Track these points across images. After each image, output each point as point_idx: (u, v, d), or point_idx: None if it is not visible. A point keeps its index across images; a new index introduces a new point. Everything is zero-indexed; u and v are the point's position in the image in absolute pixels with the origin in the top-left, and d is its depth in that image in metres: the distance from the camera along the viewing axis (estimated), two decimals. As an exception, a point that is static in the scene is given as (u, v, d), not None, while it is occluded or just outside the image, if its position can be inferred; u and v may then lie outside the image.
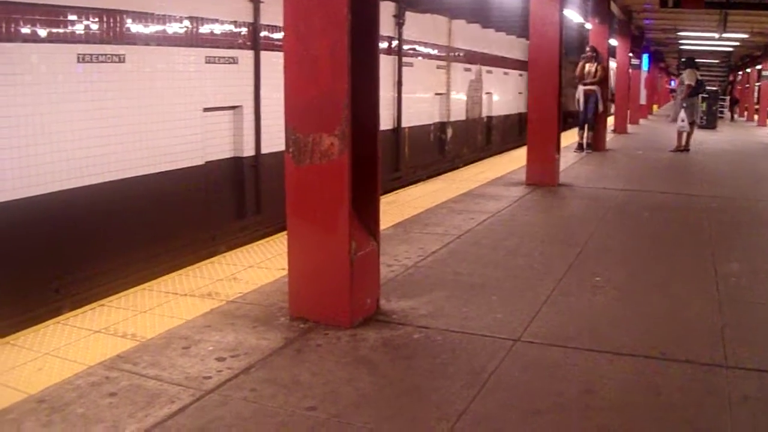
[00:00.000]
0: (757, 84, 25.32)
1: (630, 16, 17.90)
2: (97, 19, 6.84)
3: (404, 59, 13.51)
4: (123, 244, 7.05)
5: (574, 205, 7.69)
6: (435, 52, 15.21)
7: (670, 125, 15.08)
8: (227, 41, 8.67)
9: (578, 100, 12.64)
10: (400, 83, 13.34)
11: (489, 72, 18.74)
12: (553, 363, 3.25)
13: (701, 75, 14.30)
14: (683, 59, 18.07)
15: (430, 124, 15.31)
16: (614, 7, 15.40)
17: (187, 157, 8.09)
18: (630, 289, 4.48)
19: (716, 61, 30.95)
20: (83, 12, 6.68)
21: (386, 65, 12.72)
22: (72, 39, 6.61)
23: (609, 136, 14.46)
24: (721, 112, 24.26)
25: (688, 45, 24.26)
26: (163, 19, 7.66)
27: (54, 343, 3.42)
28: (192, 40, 8.11)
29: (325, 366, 3.13)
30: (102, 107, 6.93)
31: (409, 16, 13.56)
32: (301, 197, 3.61)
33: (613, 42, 17.27)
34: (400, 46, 13.32)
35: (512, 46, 20.50)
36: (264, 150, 9.20)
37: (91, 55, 6.80)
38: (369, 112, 3.68)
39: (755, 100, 26.45)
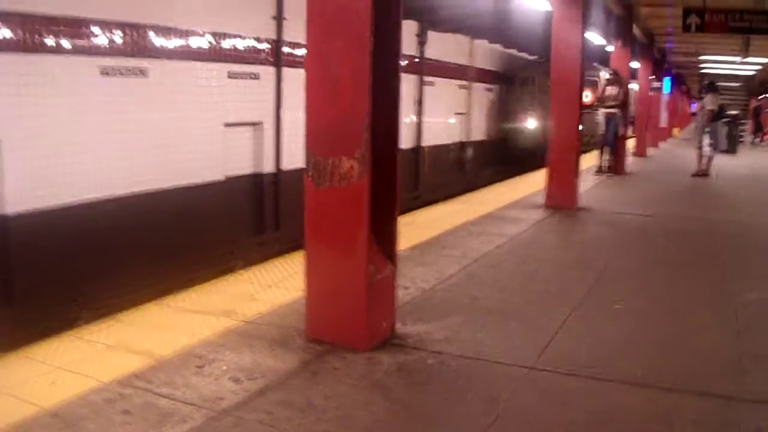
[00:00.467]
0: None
1: (652, 40, 17.84)
2: (120, 33, 6.92)
3: (425, 78, 13.56)
4: (142, 256, 7.09)
5: (592, 229, 7.64)
6: (456, 71, 15.24)
7: (689, 149, 14.96)
8: (250, 57, 8.74)
9: (598, 123, 12.59)
10: (420, 102, 13.37)
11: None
12: (567, 391, 3.22)
13: (722, 99, 14.20)
14: (705, 83, 17.96)
15: (449, 144, 15.33)
16: (636, 30, 15.35)
17: (208, 172, 8.14)
18: (647, 316, 4.42)
19: (737, 84, 30.74)
20: (106, 25, 6.76)
21: (407, 84, 12.76)
22: (95, 52, 6.70)
23: (629, 159, 14.37)
24: (741, 137, 24.01)
25: (709, 68, 24.13)
26: (186, 33, 7.74)
27: (67, 357, 3.43)
28: (215, 55, 8.18)
29: (341, 390, 3.12)
30: (124, 120, 7.00)
31: (432, 35, 13.61)
32: (320, 219, 3.60)
33: (635, 64, 17.20)
34: (421, 65, 13.36)
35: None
36: (284, 167, 9.24)
37: (113, 68, 6.88)
38: (389, 133, 3.67)
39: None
